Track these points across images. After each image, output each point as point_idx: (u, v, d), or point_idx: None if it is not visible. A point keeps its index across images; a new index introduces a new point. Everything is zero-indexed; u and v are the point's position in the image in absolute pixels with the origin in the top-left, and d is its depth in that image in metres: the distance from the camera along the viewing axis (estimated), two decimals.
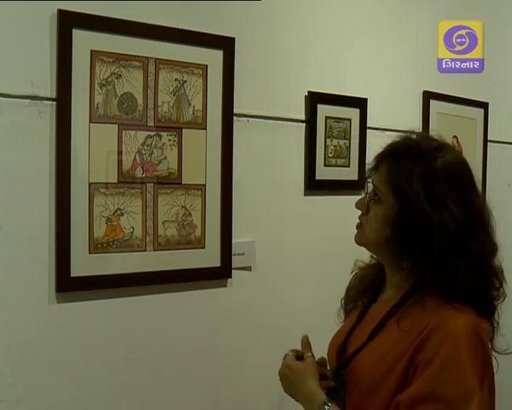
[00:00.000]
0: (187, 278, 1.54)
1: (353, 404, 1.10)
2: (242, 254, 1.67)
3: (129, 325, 1.47)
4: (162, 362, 1.53)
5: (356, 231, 1.21)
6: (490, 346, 1.12)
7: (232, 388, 1.66)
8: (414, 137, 1.18)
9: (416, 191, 1.07)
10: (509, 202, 2.60)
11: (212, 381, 1.62)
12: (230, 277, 1.62)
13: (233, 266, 1.63)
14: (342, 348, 1.21)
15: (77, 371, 1.39)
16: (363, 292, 1.28)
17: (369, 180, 1.19)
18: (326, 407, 1.08)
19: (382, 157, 1.17)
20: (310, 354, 1.18)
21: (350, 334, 1.22)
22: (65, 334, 1.38)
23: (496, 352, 1.18)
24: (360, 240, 1.20)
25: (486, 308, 1.12)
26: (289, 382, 1.16)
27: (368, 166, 1.23)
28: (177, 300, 1.55)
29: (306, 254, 1.83)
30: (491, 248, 1.14)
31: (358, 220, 1.20)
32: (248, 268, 1.69)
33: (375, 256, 1.27)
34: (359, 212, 1.20)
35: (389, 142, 1.20)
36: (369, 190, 1.18)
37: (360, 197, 1.20)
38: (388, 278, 1.21)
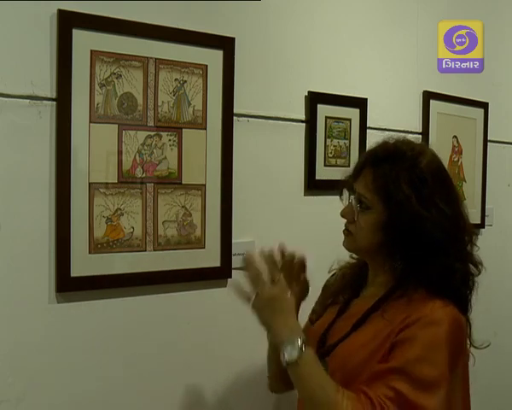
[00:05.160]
0: (187, 278, 1.54)
1: None
2: (242, 254, 1.67)
3: (129, 324, 1.47)
4: (162, 362, 1.53)
5: (344, 237, 1.24)
6: (467, 340, 1.18)
7: (232, 387, 1.66)
8: (392, 142, 1.22)
9: (407, 195, 1.12)
10: (509, 202, 2.60)
11: (213, 380, 1.62)
12: (230, 277, 1.62)
13: (233, 266, 1.63)
14: (323, 340, 1.25)
15: (77, 371, 1.39)
16: (343, 288, 1.33)
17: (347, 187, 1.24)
18: (305, 342, 1.08)
19: (363, 164, 1.21)
20: (280, 278, 1.16)
21: (330, 327, 1.26)
22: (65, 334, 1.38)
23: (474, 347, 1.23)
24: (351, 247, 1.25)
25: (465, 303, 1.18)
26: (274, 309, 1.13)
27: (346, 174, 1.27)
28: (177, 300, 1.55)
29: (306, 254, 1.82)
30: (471, 238, 1.21)
31: (344, 228, 1.24)
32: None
33: (354, 257, 1.33)
34: None
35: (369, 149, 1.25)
36: (351, 198, 1.21)
37: (345, 206, 1.23)
38: (372, 277, 1.26)
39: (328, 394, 1.05)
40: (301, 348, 1.08)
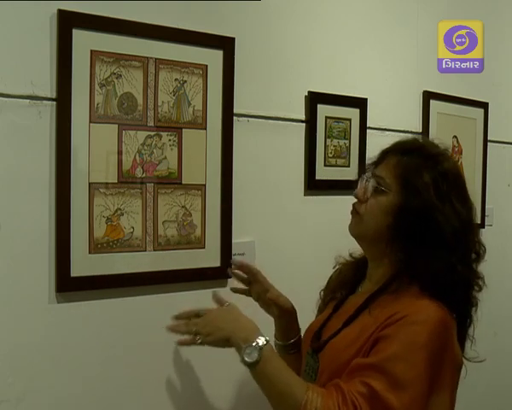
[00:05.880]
0: (187, 278, 1.54)
1: (322, 385, 1.11)
2: (242, 254, 1.66)
3: (129, 324, 1.47)
4: (162, 362, 1.53)
5: (351, 219, 1.23)
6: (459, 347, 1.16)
7: (232, 386, 1.66)
8: (421, 140, 1.27)
9: (426, 184, 1.14)
10: (509, 202, 2.60)
11: (213, 380, 1.62)
12: (230, 277, 1.62)
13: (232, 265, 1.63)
14: (317, 335, 1.26)
15: (77, 371, 1.39)
16: (342, 285, 1.33)
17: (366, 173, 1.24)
18: (265, 341, 1.09)
19: (390, 152, 1.22)
20: (229, 303, 1.26)
21: (326, 322, 1.27)
22: (65, 334, 1.38)
23: (466, 359, 1.21)
24: (356, 230, 1.23)
25: (461, 307, 1.16)
26: (223, 320, 1.17)
27: (370, 160, 1.27)
28: (177, 300, 1.55)
29: (306, 254, 1.83)
30: (480, 251, 1.20)
31: (352, 208, 1.23)
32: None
33: (354, 256, 1.34)
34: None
35: (391, 141, 1.26)
36: (368, 182, 1.21)
37: (359, 187, 1.23)
38: (371, 272, 1.25)
39: (295, 391, 1.05)
40: (260, 348, 1.08)
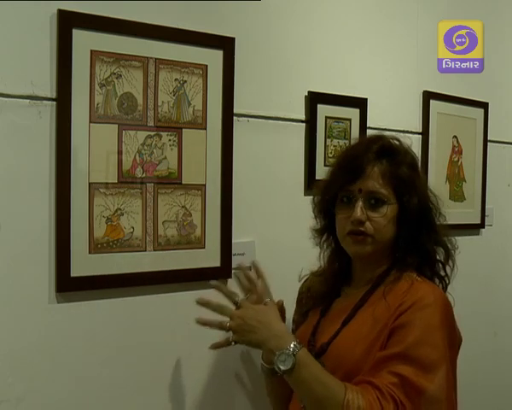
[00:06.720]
0: (187, 278, 1.54)
1: None
2: (242, 254, 1.67)
3: (129, 324, 1.47)
4: (162, 362, 1.53)
5: (356, 243, 1.22)
6: None
7: (233, 387, 1.66)
8: (379, 138, 1.28)
9: (413, 178, 1.22)
10: (509, 202, 2.60)
11: (213, 380, 1.62)
12: (230, 277, 1.62)
13: (233, 266, 1.63)
14: (311, 341, 1.26)
15: (77, 371, 1.39)
16: (320, 295, 1.33)
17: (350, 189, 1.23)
18: (298, 346, 1.10)
19: (365, 164, 1.21)
20: (269, 299, 1.30)
21: (316, 328, 1.28)
22: (65, 334, 1.38)
23: None
24: (371, 249, 1.22)
25: (446, 283, 1.27)
26: (258, 321, 1.17)
27: (340, 177, 1.25)
28: (177, 300, 1.55)
29: (306, 254, 1.82)
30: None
31: (354, 234, 1.21)
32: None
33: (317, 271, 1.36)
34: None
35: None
36: (362, 201, 1.21)
37: (356, 211, 1.20)
38: (361, 275, 1.27)
39: (334, 393, 1.06)
40: (294, 354, 1.08)
